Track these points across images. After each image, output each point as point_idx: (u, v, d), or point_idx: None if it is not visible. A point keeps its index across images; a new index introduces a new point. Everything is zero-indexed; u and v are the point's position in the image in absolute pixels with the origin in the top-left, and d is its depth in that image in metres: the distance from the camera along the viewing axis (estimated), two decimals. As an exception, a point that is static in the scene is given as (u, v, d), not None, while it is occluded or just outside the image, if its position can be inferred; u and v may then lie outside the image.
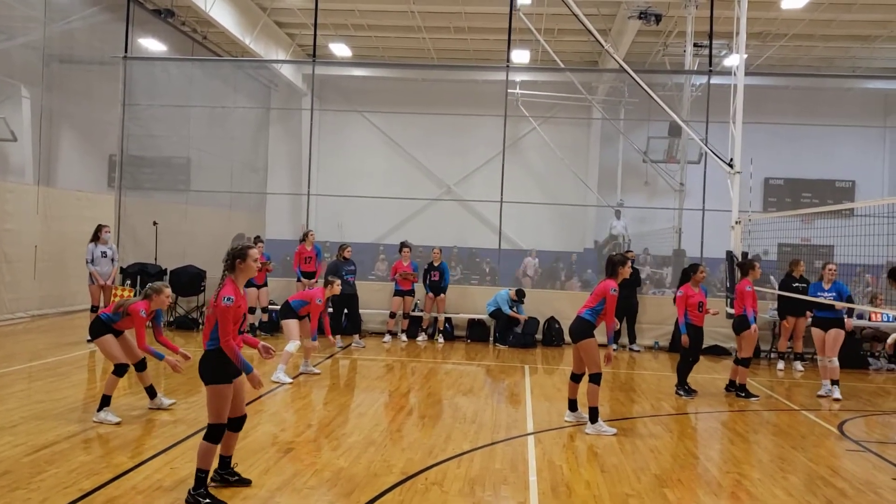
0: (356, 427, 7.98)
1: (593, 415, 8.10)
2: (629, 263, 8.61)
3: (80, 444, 6.82)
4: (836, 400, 10.36)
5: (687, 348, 10.28)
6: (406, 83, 23.74)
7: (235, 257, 5.67)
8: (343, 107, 24.03)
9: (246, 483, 5.91)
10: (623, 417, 8.92)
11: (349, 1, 19.13)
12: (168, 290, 8.27)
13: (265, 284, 14.40)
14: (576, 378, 8.56)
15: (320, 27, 17.52)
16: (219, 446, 5.65)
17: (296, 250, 14.71)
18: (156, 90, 17.06)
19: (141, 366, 8.24)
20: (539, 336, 14.93)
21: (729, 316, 12.17)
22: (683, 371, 10.46)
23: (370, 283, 16.80)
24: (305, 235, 14.73)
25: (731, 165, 13.11)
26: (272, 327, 14.70)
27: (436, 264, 14.70)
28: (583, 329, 8.23)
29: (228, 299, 5.49)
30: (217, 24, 18.09)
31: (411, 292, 14.64)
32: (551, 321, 14.88)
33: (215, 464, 5.79)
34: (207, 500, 5.43)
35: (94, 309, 12.90)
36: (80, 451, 6.59)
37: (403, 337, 14.76)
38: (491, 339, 14.96)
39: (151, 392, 8.36)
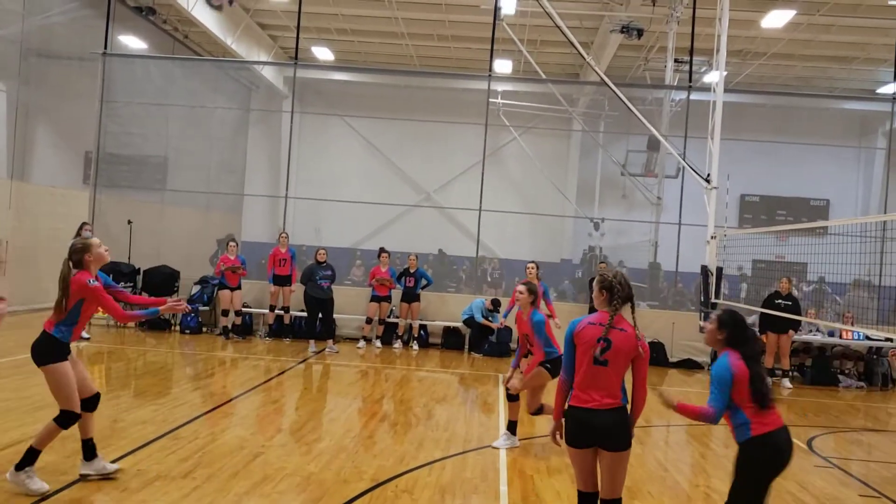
0: (327, 432, 7.93)
1: None
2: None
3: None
4: None
5: None
6: (388, 89, 23.71)
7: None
8: (324, 110, 23.96)
9: None
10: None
11: (333, 5, 19.08)
12: (95, 241, 5.96)
13: (238, 287, 14.32)
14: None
15: (303, 30, 17.45)
16: None
17: (270, 253, 14.63)
18: (135, 88, 16.90)
19: (91, 404, 5.99)
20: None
21: (703, 330, 12.21)
22: None
23: (346, 288, 16.71)
24: (279, 238, 14.69)
25: (707, 181, 13.21)
26: (244, 331, 14.60)
27: (412, 270, 14.67)
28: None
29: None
30: (199, 23, 17.96)
31: (388, 298, 14.58)
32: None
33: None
34: None
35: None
36: (45, 451, 6.43)
37: (378, 343, 14.71)
38: (465, 347, 14.95)
39: (89, 449, 5.97)
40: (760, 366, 4.65)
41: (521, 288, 7.69)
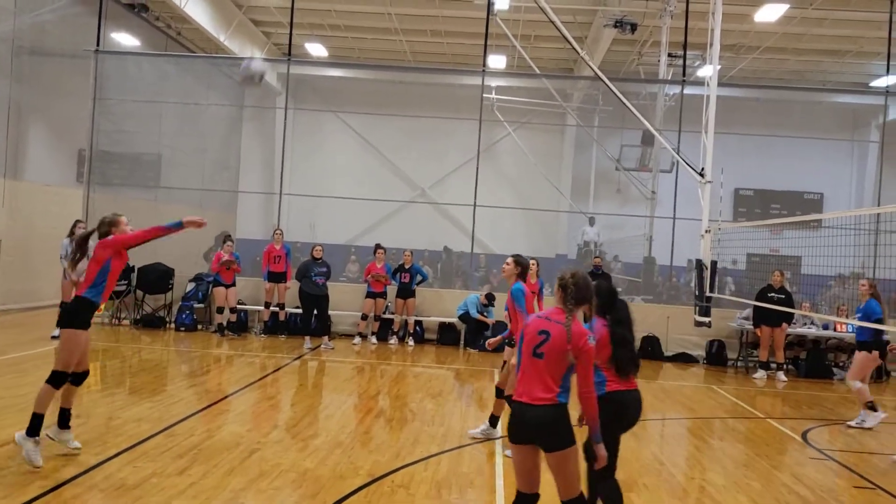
0: (323, 428, 7.93)
1: None
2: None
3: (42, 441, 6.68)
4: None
5: None
6: (381, 85, 23.66)
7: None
8: (318, 107, 23.92)
9: None
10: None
11: (326, 1, 19.02)
12: (124, 218, 6.37)
13: (233, 284, 14.30)
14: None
15: (296, 26, 17.42)
16: None
17: (265, 249, 14.62)
18: (128, 85, 16.83)
19: (78, 379, 6.35)
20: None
21: (698, 324, 12.25)
22: None
23: (341, 284, 16.72)
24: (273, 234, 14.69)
25: (702, 175, 13.20)
26: (239, 328, 14.59)
27: (406, 266, 14.67)
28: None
29: (591, 338, 4.48)
30: (192, 20, 17.88)
31: (383, 294, 14.59)
32: (521, 326, 14.89)
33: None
34: None
35: (63, 305, 12.71)
36: (45, 451, 6.43)
37: (373, 339, 14.71)
38: (461, 342, 14.96)
39: (64, 418, 6.34)
40: (628, 331, 5.04)
41: (510, 259, 7.47)
